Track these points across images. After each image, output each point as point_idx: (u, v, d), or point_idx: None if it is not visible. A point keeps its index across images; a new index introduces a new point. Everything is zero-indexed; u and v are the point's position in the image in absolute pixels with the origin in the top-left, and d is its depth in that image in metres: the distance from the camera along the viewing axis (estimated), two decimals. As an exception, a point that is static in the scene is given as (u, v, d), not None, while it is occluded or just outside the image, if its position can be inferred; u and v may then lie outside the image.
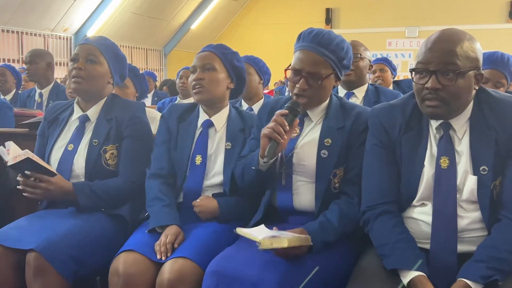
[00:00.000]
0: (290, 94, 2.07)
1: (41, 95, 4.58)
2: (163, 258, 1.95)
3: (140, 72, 3.60)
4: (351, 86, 3.25)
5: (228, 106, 2.35)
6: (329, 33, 2.03)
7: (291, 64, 2.03)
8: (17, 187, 2.23)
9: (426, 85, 1.69)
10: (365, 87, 3.27)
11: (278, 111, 1.93)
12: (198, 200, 2.17)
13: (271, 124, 1.89)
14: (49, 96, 4.54)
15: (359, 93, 3.26)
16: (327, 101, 2.09)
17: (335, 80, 2.06)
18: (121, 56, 2.50)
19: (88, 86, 2.36)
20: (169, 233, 2.02)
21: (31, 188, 2.20)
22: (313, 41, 1.99)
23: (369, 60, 3.29)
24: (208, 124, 2.30)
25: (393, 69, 4.67)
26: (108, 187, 2.29)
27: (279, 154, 1.99)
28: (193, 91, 2.26)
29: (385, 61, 5.06)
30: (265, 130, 1.89)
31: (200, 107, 2.35)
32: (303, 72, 1.98)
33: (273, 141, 1.87)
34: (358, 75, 3.22)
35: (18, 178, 2.22)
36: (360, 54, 3.21)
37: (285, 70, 2.06)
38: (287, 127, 1.88)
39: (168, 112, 2.38)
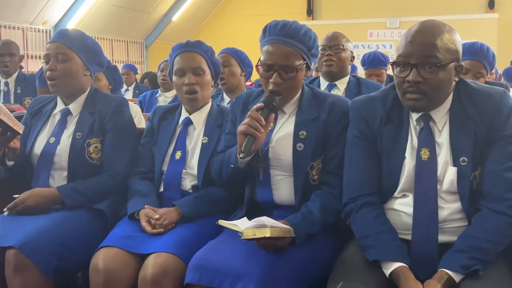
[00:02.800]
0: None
1: (7, 84, 4.66)
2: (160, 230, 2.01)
3: (121, 64, 3.56)
4: (333, 78, 3.25)
5: (210, 103, 2.38)
6: (295, 23, 2.01)
7: (261, 60, 2.00)
8: None
9: (407, 78, 1.69)
10: (346, 78, 3.27)
11: (254, 106, 1.92)
12: (158, 216, 2.06)
13: (246, 120, 1.88)
14: (16, 83, 4.64)
15: (341, 85, 3.26)
16: (299, 92, 2.08)
17: (305, 70, 2.05)
18: (92, 45, 2.46)
19: (64, 85, 2.35)
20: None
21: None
22: (281, 33, 1.98)
23: (351, 51, 3.30)
24: (188, 122, 2.34)
25: (387, 62, 4.49)
26: (93, 187, 2.29)
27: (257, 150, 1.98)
28: (188, 96, 2.27)
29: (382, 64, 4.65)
30: (241, 127, 1.89)
31: (182, 106, 2.38)
32: (275, 66, 1.96)
33: (250, 136, 1.87)
34: (340, 67, 3.22)
35: None
36: (343, 46, 3.21)
37: (256, 66, 2.03)
38: (263, 121, 1.88)
39: (153, 113, 2.44)
